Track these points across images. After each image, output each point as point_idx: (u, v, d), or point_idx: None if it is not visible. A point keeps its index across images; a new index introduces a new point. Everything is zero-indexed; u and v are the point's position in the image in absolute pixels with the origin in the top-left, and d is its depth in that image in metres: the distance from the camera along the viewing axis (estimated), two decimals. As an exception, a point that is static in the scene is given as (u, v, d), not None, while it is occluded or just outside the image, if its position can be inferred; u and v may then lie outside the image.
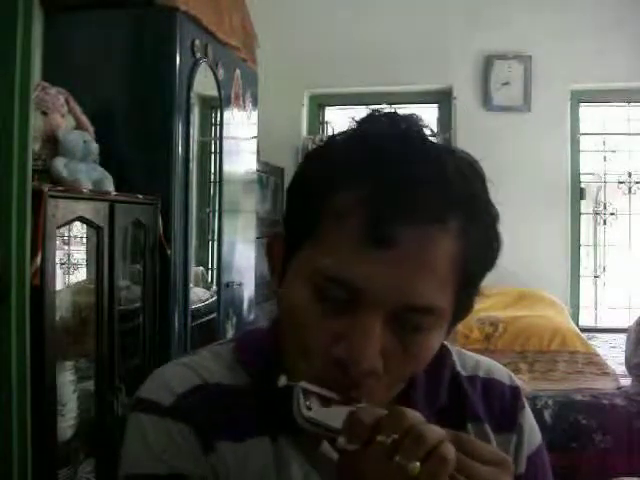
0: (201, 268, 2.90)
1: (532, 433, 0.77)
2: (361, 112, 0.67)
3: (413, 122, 0.65)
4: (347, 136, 0.65)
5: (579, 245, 4.20)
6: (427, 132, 0.64)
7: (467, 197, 0.61)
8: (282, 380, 0.61)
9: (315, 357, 0.62)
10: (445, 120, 4.20)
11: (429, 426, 0.56)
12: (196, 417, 0.68)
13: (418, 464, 0.54)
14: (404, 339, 0.62)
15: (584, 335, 3.28)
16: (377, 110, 0.67)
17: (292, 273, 0.65)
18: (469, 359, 0.79)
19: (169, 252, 2.34)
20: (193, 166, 2.53)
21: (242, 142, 3.10)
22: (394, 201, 0.58)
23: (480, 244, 0.63)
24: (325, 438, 0.60)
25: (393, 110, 0.66)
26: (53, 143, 2.02)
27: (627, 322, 2.89)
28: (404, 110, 0.68)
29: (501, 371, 0.79)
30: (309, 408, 0.60)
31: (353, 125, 0.66)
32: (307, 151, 0.70)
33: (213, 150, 2.90)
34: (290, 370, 0.63)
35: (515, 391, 0.78)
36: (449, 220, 0.60)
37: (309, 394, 0.61)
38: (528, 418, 0.77)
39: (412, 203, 0.58)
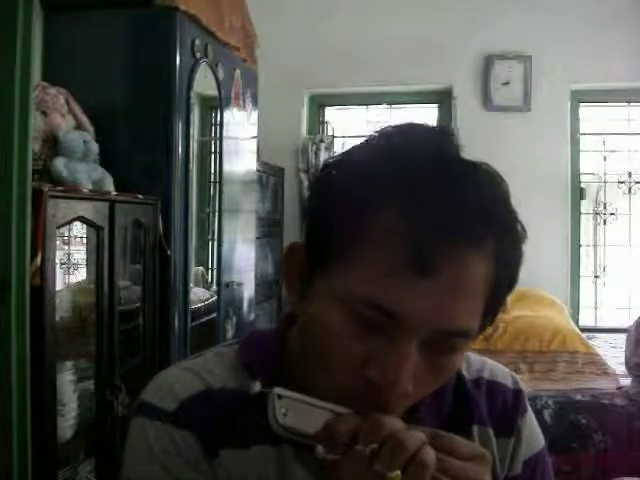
0: (201, 268, 2.90)
1: (532, 437, 0.77)
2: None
3: (446, 136, 0.63)
4: (378, 152, 0.62)
5: (579, 245, 4.20)
6: (458, 145, 0.63)
7: (502, 219, 0.61)
8: (256, 387, 0.60)
9: (343, 376, 0.61)
10: (445, 120, 4.20)
11: (408, 432, 0.56)
12: (200, 424, 0.67)
13: (399, 472, 0.54)
14: (434, 360, 0.61)
15: (584, 335, 3.28)
16: (409, 123, 0.65)
17: (320, 291, 0.62)
18: (474, 362, 0.78)
19: (169, 252, 2.34)
20: (193, 166, 2.53)
21: (242, 142, 3.10)
22: (437, 227, 0.56)
23: (509, 264, 0.62)
24: (302, 445, 0.60)
25: (423, 123, 0.64)
26: (53, 143, 2.02)
27: (627, 322, 2.89)
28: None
29: (505, 374, 0.79)
30: (284, 415, 0.59)
31: (376, 135, 0.64)
32: (326, 163, 0.66)
33: (213, 150, 2.90)
34: (300, 382, 0.62)
35: (517, 394, 0.77)
36: (486, 243, 0.59)
37: (285, 400, 0.59)
38: (529, 422, 0.77)
39: (454, 229, 0.57)
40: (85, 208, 1.93)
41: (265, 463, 0.66)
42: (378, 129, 0.65)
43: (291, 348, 0.71)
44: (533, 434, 0.77)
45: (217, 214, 2.80)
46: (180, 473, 0.65)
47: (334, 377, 0.61)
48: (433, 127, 0.64)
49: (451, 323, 0.59)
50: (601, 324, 4.19)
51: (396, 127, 0.64)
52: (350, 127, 4.48)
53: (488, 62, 4.11)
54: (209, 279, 2.95)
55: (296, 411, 0.59)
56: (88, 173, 2.06)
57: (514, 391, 0.77)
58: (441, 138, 0.63)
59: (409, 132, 0.64)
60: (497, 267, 0.60)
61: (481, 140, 3.80)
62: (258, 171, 3.47)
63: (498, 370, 0.79)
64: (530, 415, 0.77)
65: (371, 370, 0.59)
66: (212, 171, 2.92)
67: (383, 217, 0.58)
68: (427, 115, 4.34)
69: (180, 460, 0.66)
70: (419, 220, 0.56)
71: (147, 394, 0.70)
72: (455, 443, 0.58)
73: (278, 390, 0.60)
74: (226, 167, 2.81)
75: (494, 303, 0.63)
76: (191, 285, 2.53)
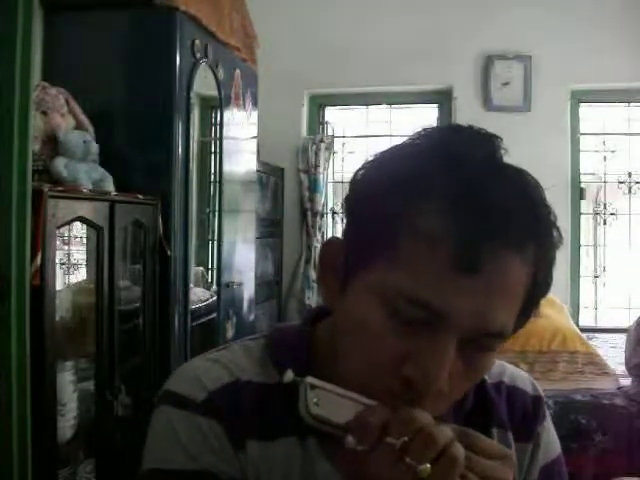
0: (201, 268, 2.90)
1: (550, 444, 0.77)
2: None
3: (493, 141, 0.63)
4: (425, 150, 0.63)
5: (579, 245, 4.20)
6: (503, 150, 0.63)
7: (544, 226, 0.62)
8: (288, 375, 0.60)
9: (378, 373, 0.61)
10: (445, 120, 4.20)
11: (438, 427, 0.56)
12: (227, 415, 0.67)
13: (429, 466, 0.54)
14: (469, 359, 0.61)
15: (584, 335, 3.28)
16: (456, 125, 0.65)
17: (359, 287, 0.63)
18: (494, 366, 0.78)
19: (169, 252, 2.34)
20: (193, 166, 2.53)
21: (242, 142, 3.10)
22: (484, 228, 0.57)
23: (546, 269, 0.63)
24: (332, 435, 0.59)
25: (473, 127, 0.64)
26: (53, 143, 2.02)
27: (627, 322, 2.89)
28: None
29: (524, 379, 0.80)
30: (316, 404, 0.59)
31: (420, 134, 0.64)
32: (368, 161, 0.65)
33: (213, 150, 2.90)
34: (327, 377, 0.61)
35: (537, 400, 0.78)
36: (528, 248, 0.60)
37: (317, 390, 0.59)
38: (548, 429, 0.77)
39: (501, 232, 0.58)
40: (85, 208, 1.93)
41: (290, 455, 0.67)
42: (420, 129, 0.65)
43: (318, 343, 0.71)
44: (551, 441, 0.77)
45: (217, 214, 2.80)
46: (208, 462, 0.65)
47: (367, 374, 0.61)
48: (481, 130, 0.64)
49: (491, 323, 0.59)
50: (601, 324, 4.19)
51: (442, 128, 0.66)
52: (350, 127, 4.48)
53: (488, 62, 4.10)
54: (209, 279, 2.95)
55: (327, 401, 0.59)
56: (88, 173, 2.06)
57: (534, 397, 0.78)
58: (489, 142, 0.63)
59: (457, 133, 0.64)
60: (535, 271, 0.61)
61: (481, 140, 3.80)
62: (258, 171, 3.47)
63: (518, 375, 0.80)
64: (549, 422, 0.78)
65: (409, 367, 0.59)
66: (212, 171, 2.92)
67: (431, 216, 0.58)
68: (427, 115, 4.34)
69: (208, 449, 0.66)
70: (467, 221, 0.57)
71: (173, 384, 0.70)
72: (482, 442, 0.58)
73: (310, 379, 0.60)
74: (226, 167, 2.81)
75: (528, 306, 0.63)
76: (191, 285, 2.53)
